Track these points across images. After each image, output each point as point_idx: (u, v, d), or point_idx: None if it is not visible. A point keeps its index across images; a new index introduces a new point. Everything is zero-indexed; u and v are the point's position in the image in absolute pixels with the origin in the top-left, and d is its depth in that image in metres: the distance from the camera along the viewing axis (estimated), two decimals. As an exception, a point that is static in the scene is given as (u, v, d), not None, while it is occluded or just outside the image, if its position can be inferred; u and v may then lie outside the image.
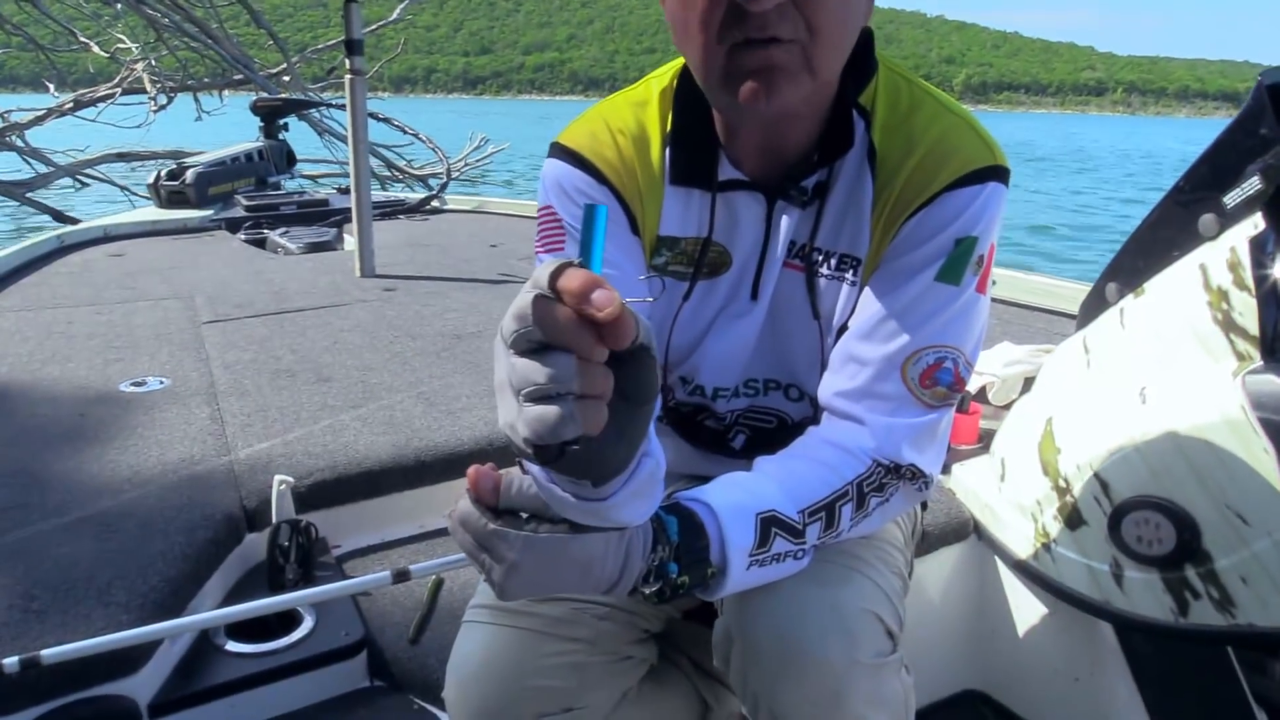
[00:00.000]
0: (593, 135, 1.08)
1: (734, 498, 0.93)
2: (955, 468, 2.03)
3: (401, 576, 1.35)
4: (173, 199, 5.60)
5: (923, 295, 0.99)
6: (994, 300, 3.47)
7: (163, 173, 5.70)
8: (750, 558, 0.91)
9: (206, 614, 1.39)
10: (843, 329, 1.06)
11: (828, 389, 1.05)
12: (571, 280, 0.59)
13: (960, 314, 1.00)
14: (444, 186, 6.32)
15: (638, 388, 0.65)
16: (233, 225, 5.25)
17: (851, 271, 1.05)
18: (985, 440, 2.13)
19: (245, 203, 5.54)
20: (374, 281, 3.81)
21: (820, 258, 1.06)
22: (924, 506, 1.35)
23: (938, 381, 0.99)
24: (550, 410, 0.59)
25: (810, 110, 1.01)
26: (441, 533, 1.97)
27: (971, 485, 1.89)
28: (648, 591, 0.87)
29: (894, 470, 0.99)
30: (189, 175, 5.60)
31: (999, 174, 1.00)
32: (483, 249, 4.55)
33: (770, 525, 0.92)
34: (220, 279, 3.85)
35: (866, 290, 1.03)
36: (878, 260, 1.02)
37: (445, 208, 5.99)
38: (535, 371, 0.59)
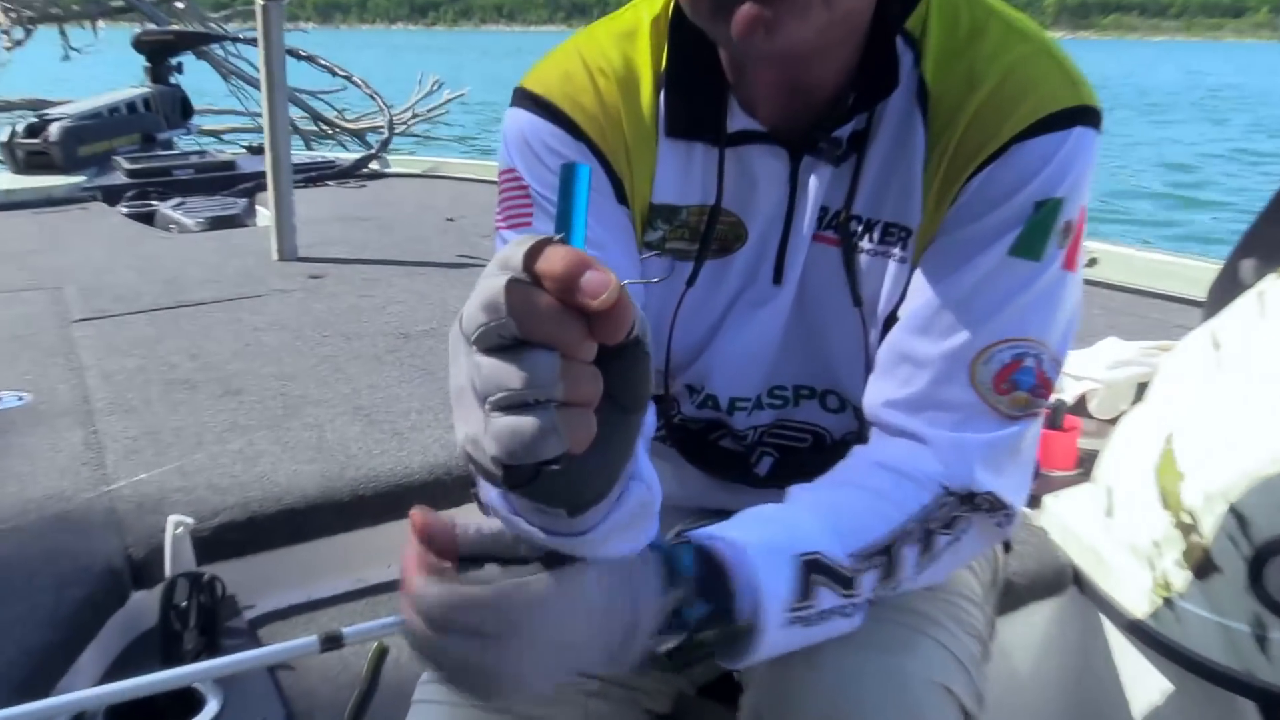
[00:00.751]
0: (566, 77, 1.06)
1: (764, 534, 0.91)
2: (1048, 500, 2.03)
3: (332, 643, 1.35)
4: (32, 161, 5.62)
5: (994, 274, 0.99)
6: (1096, 284, 3.48)
7: (19, 128, 5.72)
8: (789, 613, 0.89)
9: (80, 694, 1.39)
10: (891, 319, 1.06)
11: (876, 398, 1.04)
12: (554, 261, 0.58)
13: (1043, 298, 0.99)
14: (385, 144, 6.35)
15: (629, 391, 0.65)
16: (111, 195, 5.27)
17: (900, 245, 1.05)
18: (1086, 465, 2.14)
19: (127, 166, 5.57)
20: (296, 266, 3.82)
21: (860, 228, 1.06)
22: (1007, 548, 1.35)
23: (1016, 385, 0.99)
24: (526, 422, 0.59)
25: (837, 40, 0.99)
26: (385, 588, 1.98)
27: (1069, 522, 1.90)
28: (662, 651, 0.88)
29: (967, 500, 0.99)
30: (53, 131, 5.63)
31: (1088, 116, 0.99)
32: (436, 224, 4.57)
33: (812, 571, 0.91)
34: (96, 264, 3.85)
35: (920, 271, 1.03)
36: (934, 230, 1.02)
37: (387, 171, 6.02)
38: (508, 374, 0.58)
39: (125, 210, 5.04)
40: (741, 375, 1.14)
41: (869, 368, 1.07)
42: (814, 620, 0.92)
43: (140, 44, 7.04)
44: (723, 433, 1.19)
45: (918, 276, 1.03)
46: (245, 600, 1.89)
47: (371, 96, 7.30)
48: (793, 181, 1.06)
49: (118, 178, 5.52)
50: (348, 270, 3.74)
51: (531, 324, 0.58)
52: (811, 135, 1.04)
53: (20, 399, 2.46)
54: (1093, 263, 3.54)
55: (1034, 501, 2.08)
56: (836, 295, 1.08)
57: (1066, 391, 2.32)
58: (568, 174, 0.60)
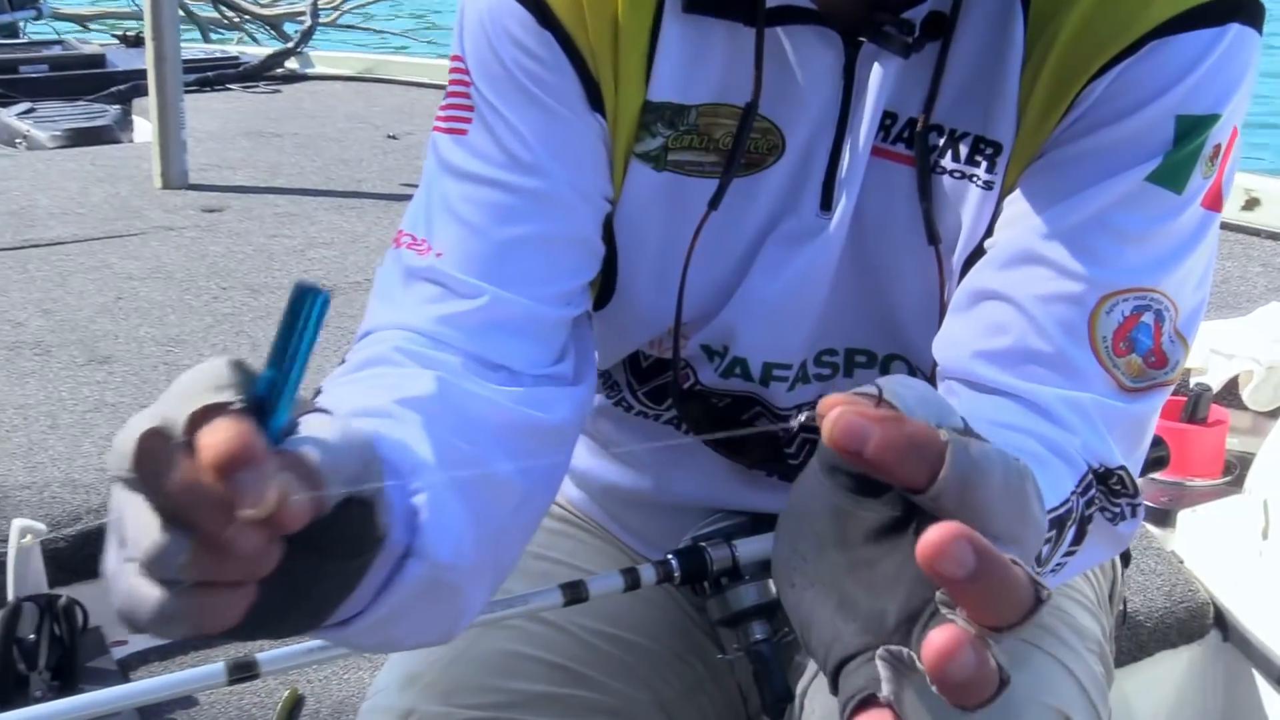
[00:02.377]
0: None
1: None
2: (1184, 517, 2.04)
3: (243, 672, 1.35)
4: None
5: (1124, 204, 0.99)
6: (1255, 232, 3.48)
7: None
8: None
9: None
10: (974, 258, 1.06)
11: (952, 345, 1.04)
12: (215, 437, 0.58)
13: (1180, 239, 1.00)
14: (307, 36, 6.32)
15: (336, 544, 0.68)
16: (-65, 99, 5.26)
17: (986, 166, 1.06)
18: (1236, 472, 2.15)
19: (-43, 60, 5.54)
20: (186, 196, 3.82)
21: (941, 140, 1.07)
22: (1125, 561, 1.37)
23: (1133, 346, 1.00)
24: (145, 597, 0.60)
25: None
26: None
27: (1212, 547, 1.91)
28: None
29: (1101, 479, 0.98)
30: None
31: (1248, 10, 0.99)
32: (373, 142, 4.57)
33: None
34: (-85, 189, 3.86)
35: (1020, 193, 1.03)
36: (1033, 150, 1.03)
37: (309, 72, 6.01)
38: (135, 533, 0.60)
39: (-46, 119, 5.03)
40: (778, 333, 1.14)
41: (939, 315, 1.08)
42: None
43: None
44: (757, 410, 1.19)
45: (1016, 200, 1.03)
46: (114, 634, 1.90)
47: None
48: (848, 76, 1.06)
49: (-56, 75, 5.51)
50: (256, 203, 3.74)
51: (160, 497, 0.59)
52: (873, 16, 1.04)
53: None
54: (1252, 204, 3.54)
55: (1164, 518, 2.09)
56: (905, 229, 1.08)
57: (1212, 374, 2.32)
58: (298, 298, 0.62)
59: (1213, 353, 2.33)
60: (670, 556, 1.04)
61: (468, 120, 1.06)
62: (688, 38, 1.07)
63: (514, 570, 1.20)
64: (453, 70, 1.08)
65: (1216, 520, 1.97)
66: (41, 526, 1.83)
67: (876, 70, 1.05)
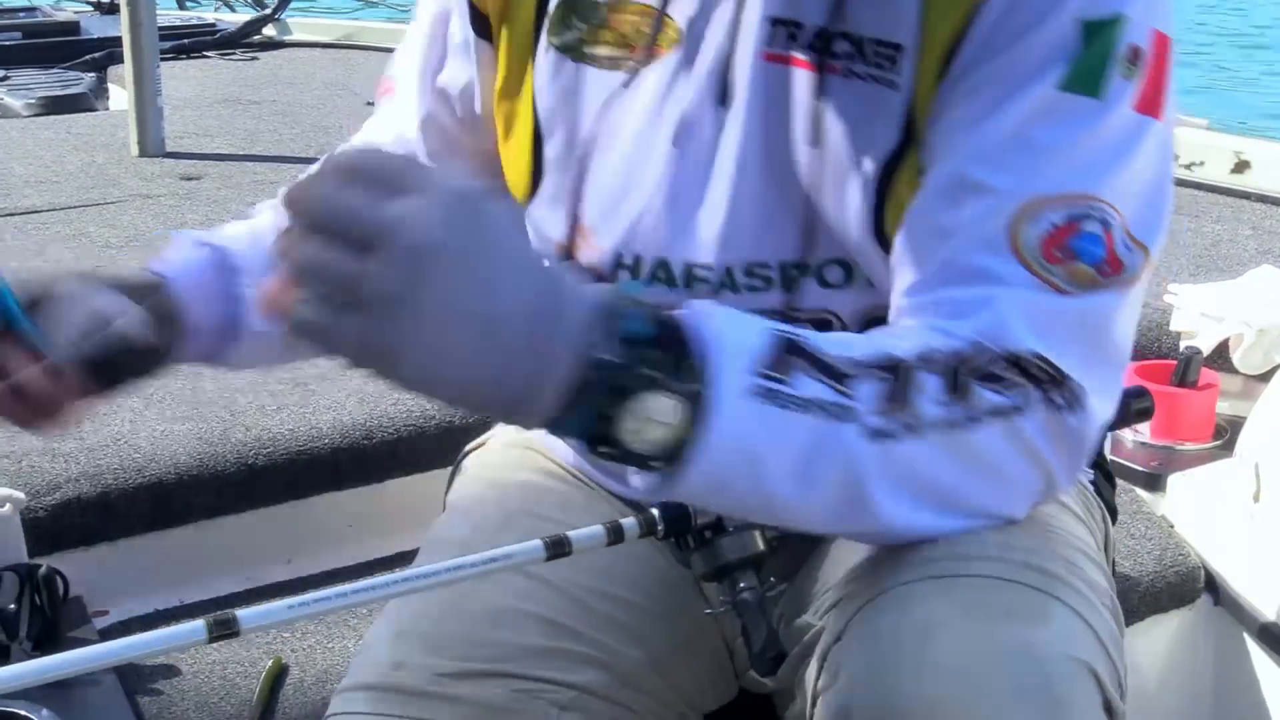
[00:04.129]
0: None
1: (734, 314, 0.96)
2: (1174, 481, 2.05)
3: (222, 629, 1.35)
4: None
5: (1038, 116, 1.02)
6: (1245, 195, 3.48)
7: None
8: (755, 377, 0.91)
9: None
10: (894, 161, 1.10)
11: (895, 289, 1.08)
12: None
13: (1109, 147, 1.03)
14: (284, 2, 6.29)
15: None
16: (-97, 65, 5.23)
17: (889, 66, 1.10)
18: (1226, 436, 2.17)
19: (-74, 26, 5.51)
20: (164, 164, 3.80)
21: (846, 45, 1.11)
22: (1113, 514, 1.38)
23: (1075, 254, 1.02)
24: None
25: None
26: (284, 589, 1.99)
27: (1202, 511, 1.92)
28: (592, 359, 0.86)
29: (1013, 362, 0.99)
30: None
31: None
32: (353, 109, 4.51)
33: (789, 351, 0.93)
34: (-117, 156, 3.84)
35: (939, 126, 1.07)
36: (937, 53, 1.07)
37: (287, 39, 5.98)
38: None
39: (-77, 86, 5.00)
40: (689, 228, 1.17)
41: (871, 224, 1.11)
42: (789, 403, 0.92)
43: None
44: None
45: (938, 135, 1.07)
46: (96, 603, 1.90)
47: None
48: None
49: (-88, 42, 5.48)
50: (234, 170, 3.73)
51: None
52: None
53: None
54: (1241, 167, 3.55)
55: (1154, 482, 2.10)
56: (803, 133, 1.13)
57: (1202, 337, 2.33)
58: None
59: (1203, 316, 2.34)
60: (653, 509, 1.04)
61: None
62: None
63: (502, 524, 1.23)
64: None
65: (1207, 484, 1.98)
66: (21, 495, 1.83)
67: None
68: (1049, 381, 1.00)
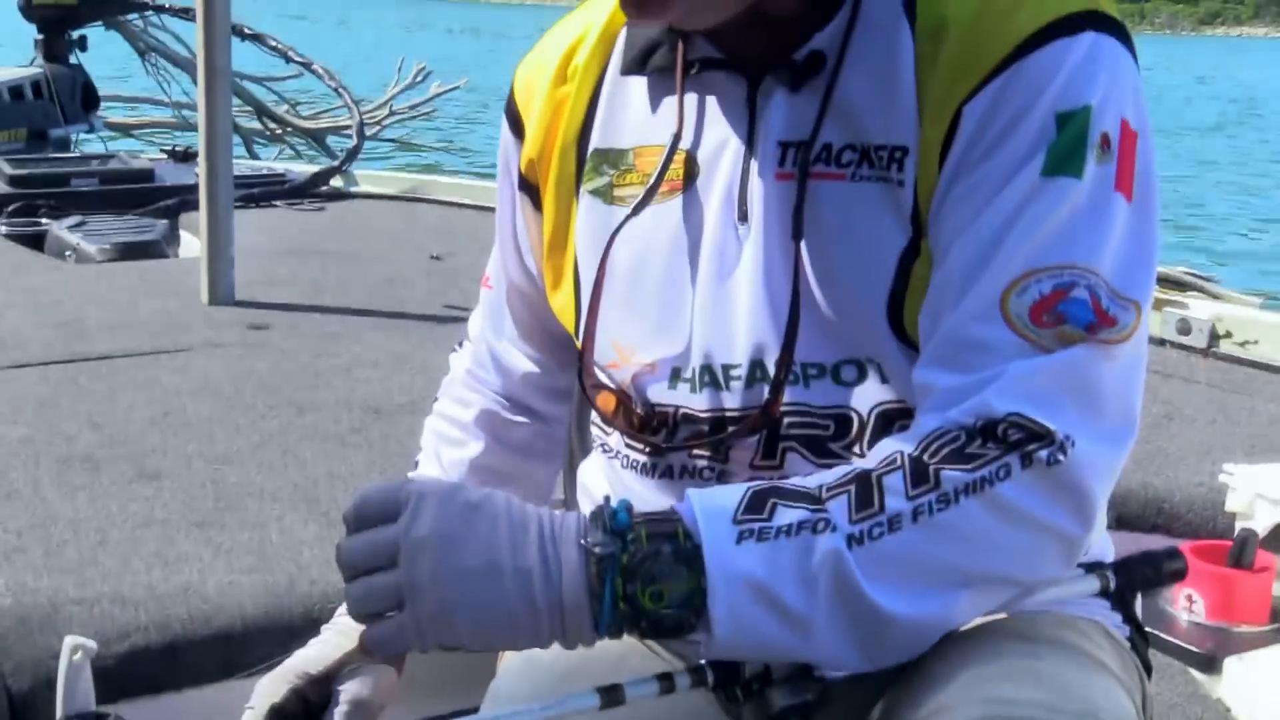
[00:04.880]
0: (539, 49, 1.40)
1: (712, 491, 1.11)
2: (1230, 665, 2.04)
3: None
4: (-114, 161, 5.73)
5: (1027, 202, 1.11)
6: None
7: None
8: (737, 525, 1.04)
9: None
10: (911, 259, 1.18)
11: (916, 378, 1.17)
12: None
13: (1090, 219, 1.11)
14: (354, 154, 6.42)
15: None
16: (-12, 208, 5.37)
17: (895, 167, 1.19)
18: (1285, 619, 2.16)
19: (10, 172, 5.67)
20: (233, 312, 3.87)
21: (851, 156, 1.21)
22: (1148, 671, 1.39)
23: (1063, 318, 1.09)
24: None
25: None
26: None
27: (1261, 696, 1.90)
28: (596, 553, 1.03)
29: (986, 435, 1.06)
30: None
31: (1103, 22, 1.14)
32: (417, 262, 4.64)
33: (765, 496, 1.06)
34: (-34, 299, 3.93)
35: (940, 228, 1.16)
36: (938, 150, 1.16)
37: (354, 190, 6.12)
38: None
39: (5, 229, 5.13)
40: (726, 334, 1.25)
41: (887, 319, 1.18)
42: (774, 534, 1.03)
43: (31, 9, 7.19)
44: (698, 428, 1.28)
45: (940, 240, 1.16)
46: (156, 752, 1.92)
47: (335, 89, 7.42)
48: (752, 109, 1.24)
49: (-2, 186, 5.63)
50: (301, 320, 3.79)
51: None
52: (771, 58, 1.23)
53: None
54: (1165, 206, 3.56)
55: (1210, 664, 2.09)
56: (826, 238, 1.21)
57: (1258, 519, 2.33)
58: None
59: (1259, 497, 2.34)
60: (704, 663, 1.10)
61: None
62: (630, 94, 1.33)
63: (559, 682, 1.27)
64: None
65: (1265, 668, 1.97)
66: (92, 644, 1.85)
67: (773, 103, 1.24)
68: (1027, 440, 1.06)
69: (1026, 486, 1.05)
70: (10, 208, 5.36)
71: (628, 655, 1.34)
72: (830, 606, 1.03)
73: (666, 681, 1.07)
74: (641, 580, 1.02)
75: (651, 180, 1.28)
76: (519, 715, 1.07)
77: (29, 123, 6.53)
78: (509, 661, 1.44)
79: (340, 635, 1.36)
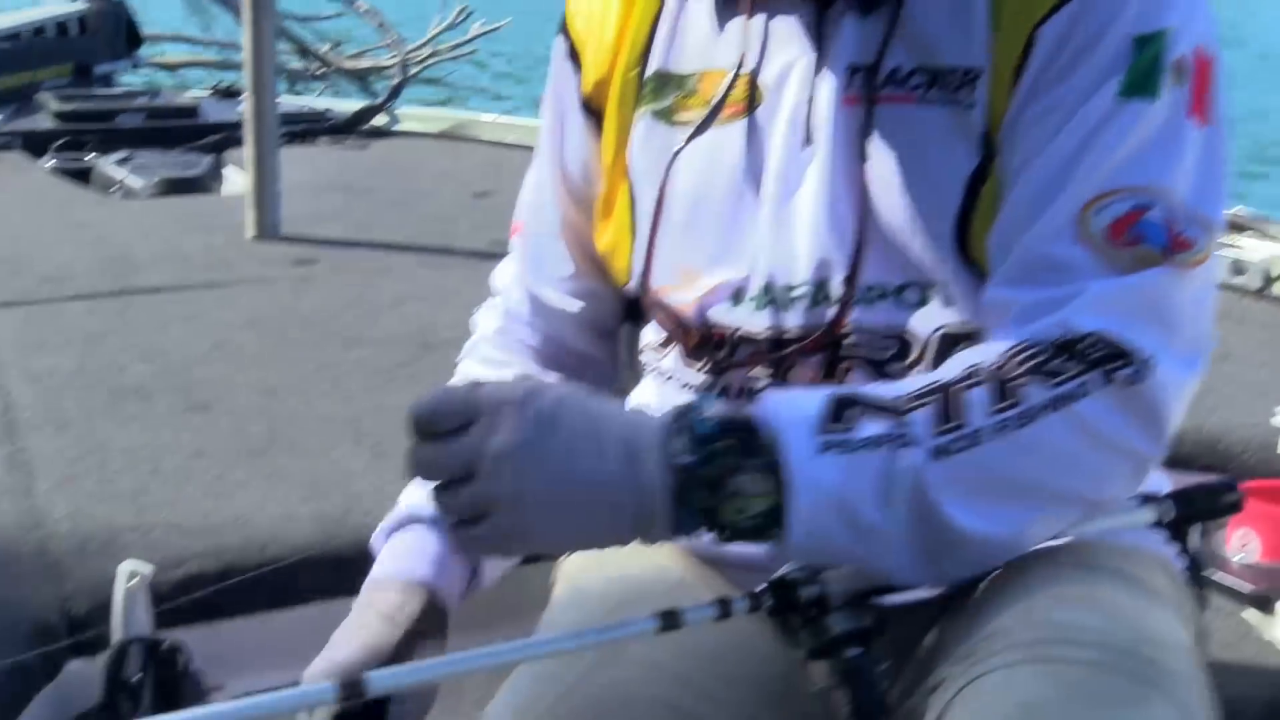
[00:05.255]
0: None
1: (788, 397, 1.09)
2: (1286, 604, 2.04)
3: (350, 691, 1.38)
4: (-69, 96, 5.77)
5: (1103, 123, 1.12)
6: None
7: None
8: (820, 436, 1.03)
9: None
10: (979, 182, 1.19)
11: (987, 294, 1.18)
12: None
13: (1164, 142, 1.12)
14: (397, 91, 6.42)
15: None
16: (34, 144, 5.40)
17: (967, 89, 1.19)
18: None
19: (56, 107, 5.70)
20: (279, 248, 3.90)
21: (919, 80, 1.21)
22: (1201, 602, 1.39)
23: (1140, 238, 1.10)
24: None
25: None
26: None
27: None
28: (678, 464, 1.02)
29: (1067, 352, 1.06)
30: (-42, 56, 5.78)
31: None
32: (462, 200, 4.65)
33: (846, 404, 1.05)
34: (15, 233, 3.97)
35: (1012, 147, 1.17)
36: (1007, 76, 1.17)
37: (396, 128, 6.11)
38: None
39: (52, 164, 5.16)
40: (790, 254, 1.25)
41: (954, 243, 1.19)
42: (855, 447, 1.03)
43: (74, -54, 7.19)
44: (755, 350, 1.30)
45: (1014, 160, 1.16)
46: (214, 679, 1.92)
47: (378, 26, 7.41)
48: (817, 34, 1.25)
49: (42, 121, 5.66)
50: (347, 255, 3.82)
51: None
52: None
53: (-77, 403, 2.55)
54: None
55: (1264, 604, 2.09)
56: (893, 161, 1.21)
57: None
58: None
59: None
60: (761, 589, 1.10)
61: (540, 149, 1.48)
62: (697, 18, 1.32)
63: (613, 610, 1.28)
64: None
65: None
66: (148, 568, 1.87)
67: (843, 29, 1.24)
68: (1108, 359, 1.06)
69: (1106, 405, 1.05)
70: (57, 143, 5.38)
71: (678, 586, 1.35)
72: (907, 522, 1.03)
73: (724, 607, 1.07)
74: (723, 494, 1.02)
75: (712, 104, 1.28)
76: (579, 638, 1.08)
77: (74, 59, 6.54)
78: (559, 593, 1.44)
79: (385, 621, 1.30)
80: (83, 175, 5.06)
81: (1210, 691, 1.13)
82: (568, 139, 1.42)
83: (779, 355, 1.26)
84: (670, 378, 1.35)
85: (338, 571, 2.03)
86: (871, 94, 1.21)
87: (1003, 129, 1.17)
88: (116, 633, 1.84)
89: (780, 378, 1.27)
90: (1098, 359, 1.05)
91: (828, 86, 1.24)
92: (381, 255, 3.82)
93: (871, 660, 1.08)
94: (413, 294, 3.40)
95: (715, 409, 1.05)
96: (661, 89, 1.33)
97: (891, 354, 1.24)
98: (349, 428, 2.47)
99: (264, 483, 2.22)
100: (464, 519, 1.03)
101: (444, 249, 3.90)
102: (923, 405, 1.05)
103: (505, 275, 1.55)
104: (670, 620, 1.05)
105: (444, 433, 1.02)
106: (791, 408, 1.05)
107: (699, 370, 1.32)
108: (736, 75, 1.28)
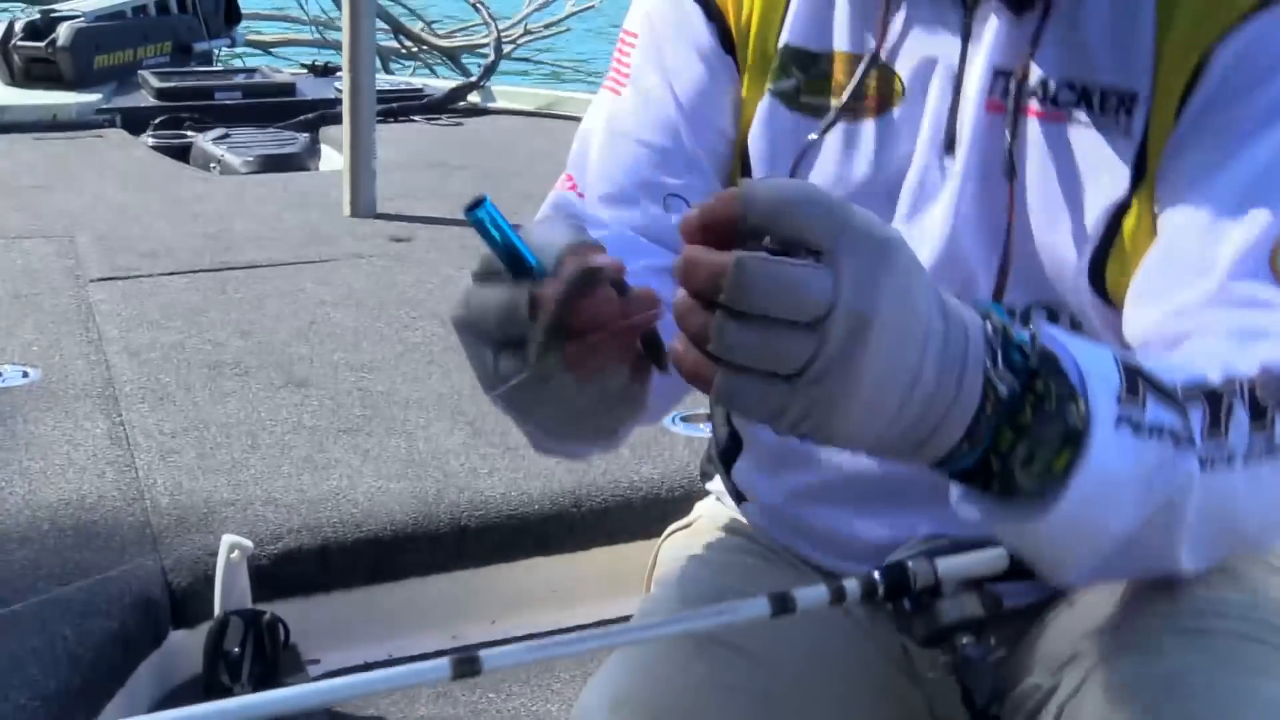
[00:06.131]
0: None
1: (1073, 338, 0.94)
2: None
3: (466, 667, 1.39)
4: (35, 72, 5.85)
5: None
6: None
7: (16, 25, 5.96)
8: (1120, 406, 0.90)
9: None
10: (1122, 213, 1.13)
11: (1143, 317, 1.10)
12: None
13: None
14: (491, 69, 6.44)
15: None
16: (135, 121, 5.47)
17: (1122, 114, 1.12)
18: None
19: (156, 84, 5.76)
20: (375, 225, 3.93)
21: (1071, 94, 1.14)
22: None
23: None
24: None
25: None
26: (497, 645, 2.04)
27: None
28: (1001, 387, 0.86)
29: None
30: (62, 34, 5.84)
31: None
32: (554, 177, 4.54)
33: (1136, 376, 0.92)
34: (117, 208, 4.01)
35: (1175, 173, 1.10)
36: (1171, 102, 1.09)
37: (490, 106, 6.14)
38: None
39: (152, 141, 5.22)
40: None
41: (1089, 271, 1.14)
42: (1144, 431, 0.91)
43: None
44: None
45: (1177, 179, 1.10)
46: (310, 652, 1.97)
47: (474, 5, 7.42)
48: (965, 29, 1.17)
49: (143, 99, 5.72)
50: (442, 233, 3.84)
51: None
52: None
53: (25, 375, 2.60)
54: None
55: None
56: (1033, 179, 1.15)
57: None
58: (479, 221, 0.87)
59: None
60: (875, 574, 1.05)
61: (622, 84, 1.29)
62: None
63: (714, 599, 1.24)
64: (621, 40, 1.31)
65: None
66: (248, 543, 1.90)
67: (989, 26, 1.16)
68: None
69: None
70: (157, 120, 5.44)
71: (780, 577, 1.33)
72: (1141, 525, 0.94)
73: (837, 590, 1.04)
74: (1026, 442, 0.87)
75: (846, 95, 1.21)
76: (691, 619, 1.06)
77: (174, 38, 6.60)
78: (657, 583, 1.43)
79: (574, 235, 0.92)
80: (182, 153, 5.11)
81: None
82: (692, 90, 1.25)
83: None
84: None
85: (432, 549, 2.06)
86: (1020, 104, 1.15)
87: (1163, 155, 1.10)
88: (218, 605, 1.87)
89: None
90: None
91: (974, 89, 1.16)
92: (476, 234, 3.82)
93: (986, 649, 1.07)
94: (508, 273, 3.41)
95: (1026, 331, 0.89)
96: (788, 66, 1.24)
97: None
98: (444, 405, 2.49)
99: (360, 459, 2.24)
100: (765, 368, 0.79)
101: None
102: (1195, 403, 0.95)
103: None
104: (783, 604, 0.99)
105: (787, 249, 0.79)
106: (1094, 360, 0.90)
107: None
108: (873, 63, 1.20)
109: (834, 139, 1.21)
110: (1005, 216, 1.16)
